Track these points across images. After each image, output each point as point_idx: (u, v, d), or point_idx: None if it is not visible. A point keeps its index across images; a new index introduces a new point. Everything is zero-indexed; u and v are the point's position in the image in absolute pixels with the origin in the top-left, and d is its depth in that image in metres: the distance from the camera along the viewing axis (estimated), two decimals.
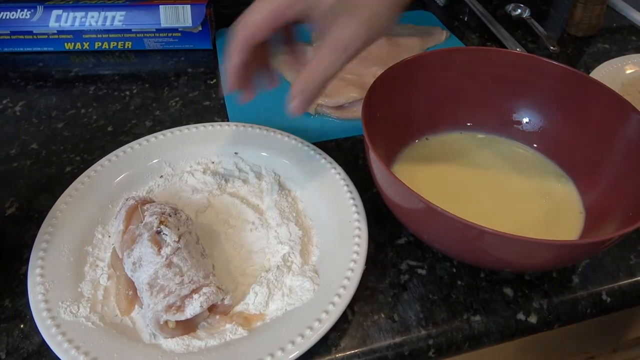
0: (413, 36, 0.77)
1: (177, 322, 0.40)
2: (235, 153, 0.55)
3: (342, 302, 0.42)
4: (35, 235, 0.47)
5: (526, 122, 0.56)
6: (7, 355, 0.41)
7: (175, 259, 0.40)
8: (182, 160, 0.55)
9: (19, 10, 0.72)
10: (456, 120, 0.58)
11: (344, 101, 0.63)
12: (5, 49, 0.74)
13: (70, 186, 0.51)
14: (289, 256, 0.46)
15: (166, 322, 0.40)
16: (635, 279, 0.47)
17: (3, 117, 0.64)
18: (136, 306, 0.43)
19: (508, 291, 0.46)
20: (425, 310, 0.44)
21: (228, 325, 0.41)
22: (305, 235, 0.48)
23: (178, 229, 0.42)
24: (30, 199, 0.53)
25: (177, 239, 0.41)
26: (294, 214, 0.50)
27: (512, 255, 0.41)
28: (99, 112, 0.65)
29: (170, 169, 0.54)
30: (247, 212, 0.50)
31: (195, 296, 0.39)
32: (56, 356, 0.39)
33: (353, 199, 0.50)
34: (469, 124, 0.58)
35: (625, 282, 0.47)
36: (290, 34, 0.48)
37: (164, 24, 0.73)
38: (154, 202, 0.46)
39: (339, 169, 0.53)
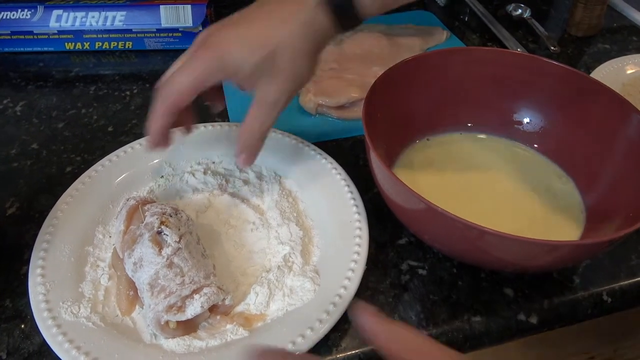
0: (413, 36, 0.77)
1: (178, 322, 0.40)
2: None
3: (343, 303, 0.42)
4: (35, 235, 0.47)
5: (527, 123, 0.56)
6: (7, 355, 0.41)
7: (176, 260, 0.40)
8: (183, 160, 0.55)
9: (19, 10, 0.72)
10: (457, 121, 0.58)
11: (345, 101, 0.63)
12: (6, 49, 0.74)
13: (71, 186, 0.51)
14: (290, 256, 0.46)
15: (167, 322, 0.40)
16: (636, 279, 0.47)
17: (3, 117, 0.64)
18: (137, 306, 0.43)
19: (509, 291, 0.46)
20: (426, 311, 0.44)
21: (229, 326, 0.41)
22: (306, 235, 0.48)
23: (179, 229, 0.42)
24: (31, 199, 0.53)
25: (177, 240, 0.41)
26: (295, 214, 0.50)
27: (512, 256, 0.41)
28: (100, 112, 0.65)
29: (171, 169, 0.54)
30: (248, 213, 0.50)
31: (196, 296, 0.39)
32: (57, 356, 0.39)
33: (354, 199, 0.50)
34: (469, 125, 0.58)
35: (626, 282, 0.47)
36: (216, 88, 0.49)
37: (165, 24, 0.73)
38: (154, 202, 0.46)
39: (340, 169, 0.53)
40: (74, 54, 0.75)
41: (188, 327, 0.41)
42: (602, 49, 0.78)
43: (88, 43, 0.74)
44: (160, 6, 0.73)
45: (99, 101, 0.67)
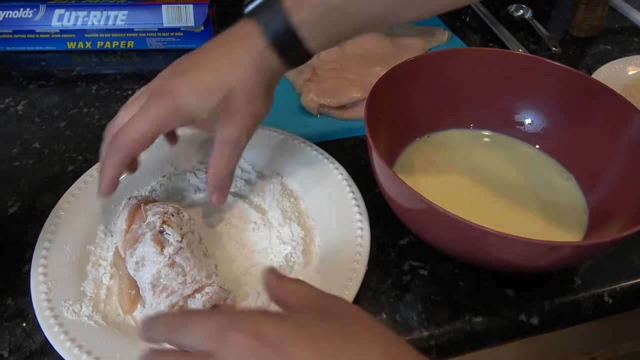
0: (415, 36, 0.77)
1: None
2: None
3: None
4: (37, 234, 0.47)
5: (529, 123, 0.56)
6: (9, 354, 0.41)
7: (178, 259, 0.40)
8: (185, 159, 0.55)
9: (21, 9, 0.72)
10: (459, 121, 0.58)
11: (346, 101, 0.63)
12: (8, 48, 0.74)
13: (73, 185, 0.51)
14: (291, 256, 0.46)
15: None
16: (637, 280, 0.47)
17: (5, 116, 0.64)
18: (139, 305, 0.43)
19: (510, 292, 0.46)
20: (427, 311, 0.44)
21: None
22: (308, 235, 0.48)
23: (181, 229, 0.42)
24: (33, 197, 0.53)
25: (179, 239, 0.41)
26: (296, 214, 0.50)
27: (514, 256, 0.41)
28: (102, 112, 0.65)
29: (173, 169, 0.54)
30: (250, 212, 0.50)
31: (198, 296, 0.39)
32: (59, 355, 0.39)
33: (355, 199, 0.50)
34: (471, 125, 0.58)
35: (627, 283, 0.47)
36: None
37: (167, 23, 0.73)
38: (156, 201, 0.46)
39: (342, 169, 0.53)
40: (75, 53, 0.75)
41: None
42: (603, 50, 0.78)
43: (90, 42, 0.74)
44: (162, 6, 0.73)
45: (101, 100, 0.67)
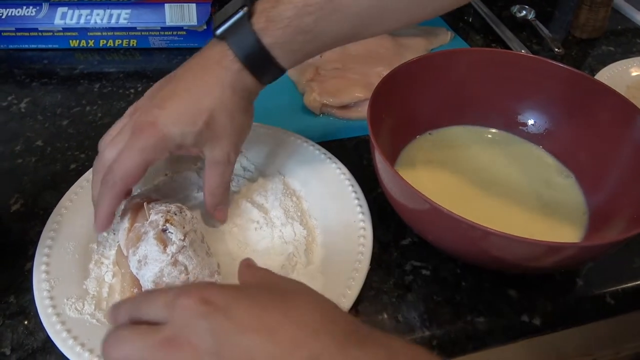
0: (418, 37, 0.77)
1: None
2: (240, 152, 0.55)
3: (346, 302, 0.42)
4: (40, 232, 0.47)
5: (531, 124, 0.56)
6: (12, 352, 0.41)
7: (180, 258, 0.40)
8: (187, 158, 0.55)
9: (24, 7, 0.72)
10: (461, 122, 0.58)
11: (349, 101, 0.63)
12: (11, 46, 0.74)
13: (75, 183, 0.51)
14: (294, 256, 0.46)
15: None
16: (639, 281, 0.47)
17: (8, 114, 0.64)
18: None
19: (512, 293, 0.46)
20: (429, 311, 0.44)
21: None
22: (310, 234, 0.48)
23: (183, 228, 0.42)
24: (35, 195, 0.53)
25: (182, 238, 0.41)
26: (299, 214, 0.50)
27: (516, 257, 0.41)
28: (104, 110, 0.65)
29: (176, 167, 0.54)
30: (252, 211, 0.50)
31: None
32: (61, 353, 0.39)
33: (358, 199, 0.50)
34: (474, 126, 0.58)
35: (629, 284, 0.47)
36: None
37: (169, 22, 0.73)
38: (159, 200, 0.46)
39: (344, 169, 0.53)
40: (78, 52, 0.75)
41: None
42: (606, 51, 0.78)
43: (92, 41, 0.74)
44: (165, 4, 0.73)
45: (104, 99, 0.67)
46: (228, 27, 0.43)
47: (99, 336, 0.39)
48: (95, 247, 0.47)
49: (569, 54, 0.77)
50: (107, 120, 0.63)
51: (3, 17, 0.72)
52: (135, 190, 0.51)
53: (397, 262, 0.48)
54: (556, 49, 0.76)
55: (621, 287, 0.47)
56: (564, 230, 0.49)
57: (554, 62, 0.54)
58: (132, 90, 0.68)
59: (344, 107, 0.64)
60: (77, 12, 0.73)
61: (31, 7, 0.72)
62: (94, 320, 0.41)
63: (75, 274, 0.44)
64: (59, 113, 0.65)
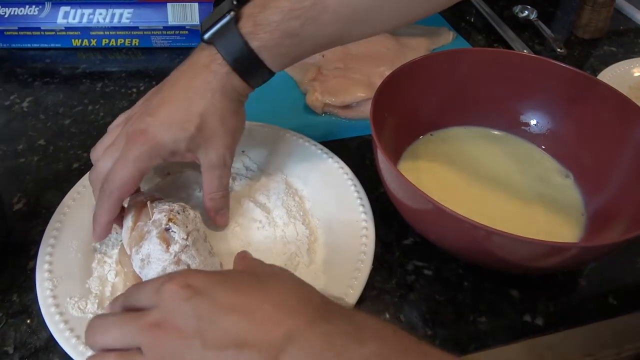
0: (420, 37, 0.77)
1: None
2: (243, 151, 0.55)
3: (348, 302, 0.42)
4: (42, 231, 0.47)
5: (534, 124, 0.56)
6: (14, 350, 0.41)
7: (183, 257, 0.40)
8: None
9: (27, 6, 0.72)
10: (463, 122, 0.58)
11: (351, 101, 0.63)
12: (13, 45, 0.74)
13: (78, 183, 0.51)
14: (296, 255, 0.46)
15: None
16: None
17: (10, 113, 0.64)
18: None
19: (514, 293, 0.46)
20: (431, 311, 0.44)
21: None
22: (312, 234, 0.48)
23: (186, 227, 0.42)
24: (38, 195, 0.53)
25: (185, 237, 0.41)
26: (301, 213, 0.50)
27: (519, 256, 0.41)
28: (106, 109, 0.65)
29: (179, 166, 0.54)
30: (255, 211, 0.50)
31: None
32: (64, 352, 0.39)
33: (360, 198, 0.50)
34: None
35: (631, 284, 0.47)
36: None
37: (172, 21, 0.73)
38: (162, 199, 0.46)
39: (346, 169, 0.53)
40: (80, 51, 0.75)
41: None
42: (608, 52, 0.78)
43: (95, 40, 0.74)
44: (168, 4, 0.73)
45: (106, 98, 0.67)
46: (215, 31, 0.44)
47: None
48: (98, 246, 0.47)
49: (571, 54, 0.77)
50: (109, 120, 0.63)
51: (6, 16, 0.72)
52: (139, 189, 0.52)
53: (399, 262, 0.48)
54: (558, 49, 0.76)
55: (624, 287, 0.47)
56: (563, 231, 0.49)
57: (557, 62, 0.54)
58: (134, 90, 0.68)
59: (346, 106, 0.64)
60: (79, 11, 0.73)
61: (34, 6, 0.72)
62: None
63: (78, 273, 0.44)
64: (61, 112, 0.65)
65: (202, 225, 0.45)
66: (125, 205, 0.46)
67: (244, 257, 0.38)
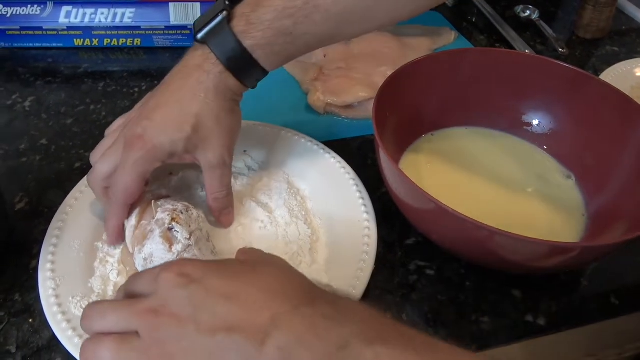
0: (421, 36, 0.77)
1: None
2: (244, 151, 0.55)
3: None
4: (45, 231, 0.47)
5: (536, 125, 0.56)
6: (17, 349, 0.41)
7: (186, 256, 0.40)
8: None
9: (29, 5, 0.72)
10: (465, 122, 0.58)
11: (353, 101, 0.63)
12: (15, 45, 0.75)
13: (80, 182, 0.51)
14: (298, 255, 0.46)
15: None
16: None
17: (12, 113, 0.64)
18: None
19: (516, 293, 0.46)
20: (434, 311, 0.44)
21: None
22: (314, 234, 0.48)
23: (189, 226, 0.42)
24: (40, 194, 0.53)
25: (188, 236, 0.41)
26: (303, 213, 0.50)
27: (521, 257, 0.41)
28: (108, 109, 0.65)
29: (182, 166, 0.54)
30: (257, 211, 0.50)
31: None
32: (66, 351, 0.39)
33: (362, 198, 0.50)
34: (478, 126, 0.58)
35: (633, 285, 0.47)
36: None
37: (174, 21, 0.73)
38: (169, 196, 0.46)
39: (348, 169, 0.53)
40: (82, 50, 0.76)
41: None
42: (610, 52, 0.78)
43: (97, 39, 0.74)
44: (170, 4, 0.73)
45: (108, 98, 0.67)
46: (208, 30, 0.44)
47: None
48: (101, 245, 0.47)
49: (573, 54, 0.77)
50: (111, 119, 0.63)
51: (8, 15, 0.72)
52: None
53: (401, 261, 0.48)
54: (560, 49, 0.76)
55: (625, 287, 0.47)
56: (563, 231, 0.49)
57: (558, 62, 0.54)
58: (136, 89, 0.68)
59: (348, 106, 0.64)
60: (81, 11, 0.73)
61: (36, 6, 0.72)
62: None
63: (81, 273, 0.44)
64: (63, 112, 0.65)
65: (205, 224, 0.45)
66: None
67: (245, 251, 0.39)
